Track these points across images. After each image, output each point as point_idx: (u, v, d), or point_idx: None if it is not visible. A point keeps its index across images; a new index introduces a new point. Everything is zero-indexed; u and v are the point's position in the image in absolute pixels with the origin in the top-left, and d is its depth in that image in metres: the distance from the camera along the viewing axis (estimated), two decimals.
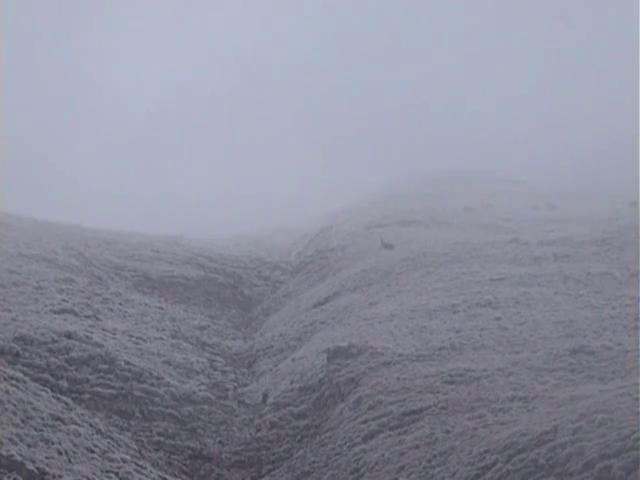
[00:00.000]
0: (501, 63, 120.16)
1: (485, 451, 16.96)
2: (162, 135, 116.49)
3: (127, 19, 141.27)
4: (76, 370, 25.18)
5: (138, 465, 19.88)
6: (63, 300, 32.28)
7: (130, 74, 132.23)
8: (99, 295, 35.07)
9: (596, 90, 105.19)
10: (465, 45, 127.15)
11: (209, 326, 36.05)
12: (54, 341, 26.18)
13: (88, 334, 27.55)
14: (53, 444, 18.75)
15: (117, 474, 18.70)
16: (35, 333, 26.29)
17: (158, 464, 21.30)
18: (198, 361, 29.75)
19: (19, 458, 17.20)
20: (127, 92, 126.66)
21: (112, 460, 19.45)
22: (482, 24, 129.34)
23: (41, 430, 19.28)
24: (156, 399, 24.88)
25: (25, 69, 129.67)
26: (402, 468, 17.99)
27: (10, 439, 18.12)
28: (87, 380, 24.84)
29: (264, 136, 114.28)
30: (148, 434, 23.15)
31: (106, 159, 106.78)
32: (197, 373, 28.48)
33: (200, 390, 26.61)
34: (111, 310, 33.36)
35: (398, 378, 22.75)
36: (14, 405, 19.92)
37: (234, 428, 24.52)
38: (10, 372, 22.37)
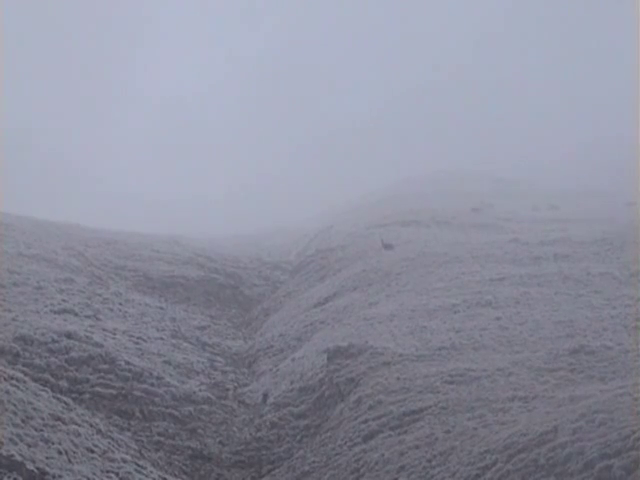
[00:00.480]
0: (501, 62, 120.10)
1: (485, 451, 16.95)
2: (176, 135, 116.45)
3: (153, 26, 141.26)
4: (76, 370, 25.17)
5: (138, 465, 19.87)
6: (63, 300, 32.27)
7: (151, 78, 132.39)
8: (99, 295, 35.06)
9: (596, 89, 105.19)
10: (464, 44, 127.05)
11: (209, 326, 36.04)
12: (54, 341, 26.16)
13: (88, 334, 27.53)
14: (53, 444, 18.74)
15: (117, 474, 18.69)
16: (35, 333, 26.28)
17: (158, 464, 21.29)
18: (198, 361, 29.74)
19: (19, 458, 17.19)
20: (148, 93, 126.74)
21: (112, 460, 19.44)
22: (480, 22, 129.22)
23: (41, 430, 19.27)
24: (156, 399, 24.87)
25: (52, 70, 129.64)
26: (402, 468, 17.98)
27: (10, 439, 18.11)
28: (87, 380, 24.82)
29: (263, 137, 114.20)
30: (148, 434, 23.14)
31: (125, 161, 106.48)
32: (197, 373, 28.47)
33: (200, 390, 26.60)
34: (111, 310, 33.35)
35: (398, 378, 22.73)
36: (14, 405, 19.91)
37: (234, 428, 24.52)
38: (10, 372, 22.35)
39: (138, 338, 30.05)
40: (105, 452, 19.76)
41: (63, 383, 24.30)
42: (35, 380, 23.20)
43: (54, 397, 22.02)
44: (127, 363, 26.11)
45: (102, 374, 25.28)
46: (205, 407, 25.41)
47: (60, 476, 17.28)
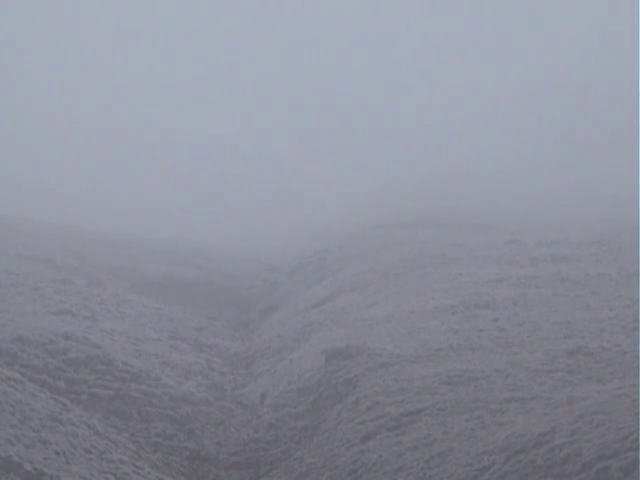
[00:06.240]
0: (499, 63, 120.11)
1: (483, 452, 16.97)
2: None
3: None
4: (74, 371, 25.17)
5: (136, 466, 19.86)
6: (61, 301, 32.28)
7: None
8: (97, 296, 35.07)
9: (595, 84, 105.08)
10: (465, 44, 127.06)
11: (207, 327, 36.05)
12: (52, 342, 26.17)
13: (86, 335, 27.54)
14: (51, 445, 18.75)
15: (115, 475, 18.69)
16: (33, 334, 26.29)
17: (156, 465, 21.28)
18: (196, 362, 29.74)
19: (17, 459, 17.20)
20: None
21: (110, 461, 19.44)
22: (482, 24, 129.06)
23: (39, 431, 19.27)
24: (154, 400, 24.86)
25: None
26: (400, 469, 17.99)
27: (8, 440, 18.12)
28: (85, 381, 24.82)
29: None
30: (146, 435, 23.13)
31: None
32: (195, 374, 28.47)
33: (198, 391, 26.59)
34: (109, 311, 33.35)
35: (396, 379, 22.75)
36: (12, 406, 19.91)
37: (232, 429, 24.51)
38: (8, 373, 22.36)
39: (136, 339, 30.05)
40: (103, 453, 19.76)
41: (61, 384, 24.30)
42: (33, 381, 23.20)
43: (52, 398, 22.03)
44: (125, 364, 26.11)
45: (100, 375, 25.28)
46: (203, 408, 25.40)
47: (58, 477, 17.29)
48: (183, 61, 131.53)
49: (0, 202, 63.77)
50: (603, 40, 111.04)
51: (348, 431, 20.98)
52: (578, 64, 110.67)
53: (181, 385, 26.58)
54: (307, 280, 43.43)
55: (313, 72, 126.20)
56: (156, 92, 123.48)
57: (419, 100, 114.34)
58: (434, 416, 20.05)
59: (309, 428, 23.48)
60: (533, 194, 66.25)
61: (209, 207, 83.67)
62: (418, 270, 36.46)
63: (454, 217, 52.18)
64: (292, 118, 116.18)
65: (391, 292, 33.83)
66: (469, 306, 29.21)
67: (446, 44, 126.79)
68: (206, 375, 28.77)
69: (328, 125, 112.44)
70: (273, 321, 37.24)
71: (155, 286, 41.90)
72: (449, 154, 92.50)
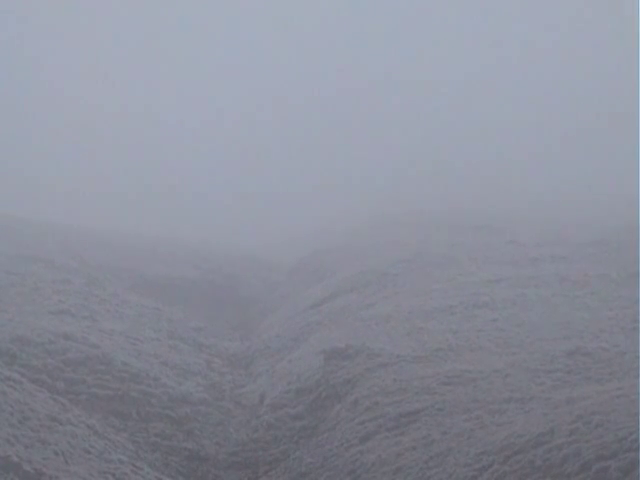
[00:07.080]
0: (505, 62, 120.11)
1: (482, 452, 16.96)
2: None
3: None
4: (73, 371, 25.16)
5: (135, 466, 19.86)
6: (60, 301, 32.26)
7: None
8: (96, 296, 35.04)
9: (595, 86, 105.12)
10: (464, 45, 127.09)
11: (206, 327, 36.04)
12: (51, 342, 26.15)
13: (85, 335, 27.53)
14: (50, 445, 18.74)
15: (114, 475, 18.68)
16: (32, 334, 26.28)
17: (155, 465, 21.27)
18: (195, 362, 29.73)
19: (16, 459, 17.18)
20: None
21: (109, 461, 19.44)
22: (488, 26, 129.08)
23: (38, 431, 19.26)
24: (153, 400, 24.85)
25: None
26: (399, 469, 17.98)
27: (7, 440, 18.11)
28: (84, 381, 24.81)
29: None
30: (145, 435, 23.12)
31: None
32: (194, 374, 28.46)
33: (197, 391, 26.58)
34: (108, 311, 33.34)
35: (395, 379, 22.74)
36: (11, 406, 19.91)
37: (231, 429, 24.50)
38: (7, 373, 22.35)
39: (135, 339, 30.04)
40: (102, 453, 19.75)
41: (60, 384, 24.29)
42: (32, 381, 23.20)
43: (51, 398, 22.02)
44: (124, 364, 26.10)
45: (99, 375, 25.26)
46: (202, 408, 25.39)
47: (57, 477, 17.28)
48: (183, 55, 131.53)
49: (0, 201, 63.79)
50: (604, 38, 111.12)
51: (347, 431, 20.98)
52: (579, 63, 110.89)
53: (180, 385, 26.57)
54: (306, 280, 43.45)
55: (313, 72, 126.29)
56: (154, 90, 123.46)
57: (416, 99, 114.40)
58: (433, 416, 20.04)
59: (308, 428, 23.47)
60: (532, 194, 66.27)
61: (209, 206, 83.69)
62: (417, 270, 36.48)
63: (454, 217, 52.21)
64: (291, 118, 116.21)
65: (390, 292, 33.84)
66: (468, 306, 29.21)
67: (444, 38, 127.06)
68: (205, 375, 28.76)
69: (328, 124, 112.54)
70: (272, 321, 37.24)
71: (154, 286, 41.89)
72: (449, 154, 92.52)
